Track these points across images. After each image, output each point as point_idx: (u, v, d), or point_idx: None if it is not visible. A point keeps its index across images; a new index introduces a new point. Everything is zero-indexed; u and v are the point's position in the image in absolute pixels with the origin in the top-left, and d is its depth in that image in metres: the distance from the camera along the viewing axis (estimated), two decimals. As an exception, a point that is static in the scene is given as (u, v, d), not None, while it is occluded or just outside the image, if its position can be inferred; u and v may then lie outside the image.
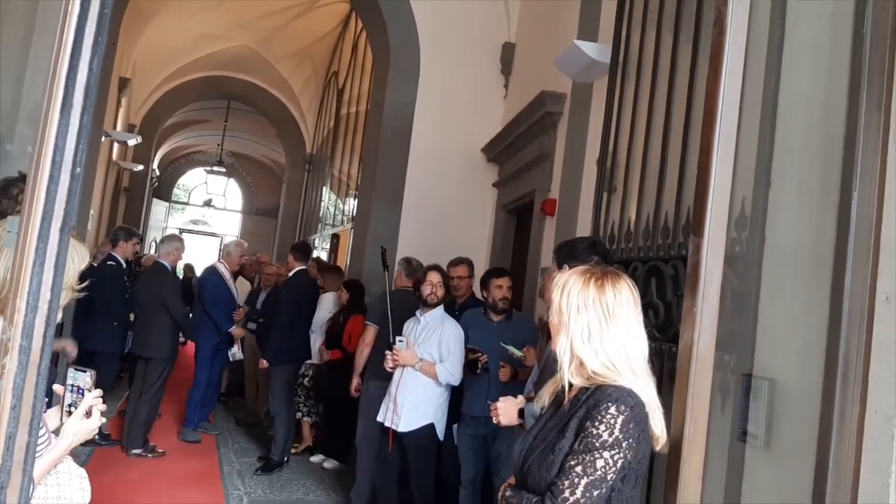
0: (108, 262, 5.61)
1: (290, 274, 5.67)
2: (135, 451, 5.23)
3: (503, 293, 3.77)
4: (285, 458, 5.41)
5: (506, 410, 2.38)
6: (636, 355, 1.58)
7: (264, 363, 5.42)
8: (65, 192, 0.94)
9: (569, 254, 2.51)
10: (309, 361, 5.70)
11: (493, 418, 2.42)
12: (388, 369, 3.84)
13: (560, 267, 2.53)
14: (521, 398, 2.47)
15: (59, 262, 0.94)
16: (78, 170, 0.95)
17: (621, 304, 1.57)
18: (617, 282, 1.60)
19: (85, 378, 1.40)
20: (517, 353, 3.38)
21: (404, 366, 3.76)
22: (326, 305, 5.70)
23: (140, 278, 5.77)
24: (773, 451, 1.74)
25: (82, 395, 1.39)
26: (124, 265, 5.74)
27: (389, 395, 3.85)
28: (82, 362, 5.40)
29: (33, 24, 2.31)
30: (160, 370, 5.46)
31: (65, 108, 0.95)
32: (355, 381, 4.57)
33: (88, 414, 1.42)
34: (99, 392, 1.44)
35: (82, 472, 1.47)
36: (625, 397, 1.51)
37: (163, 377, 5.54)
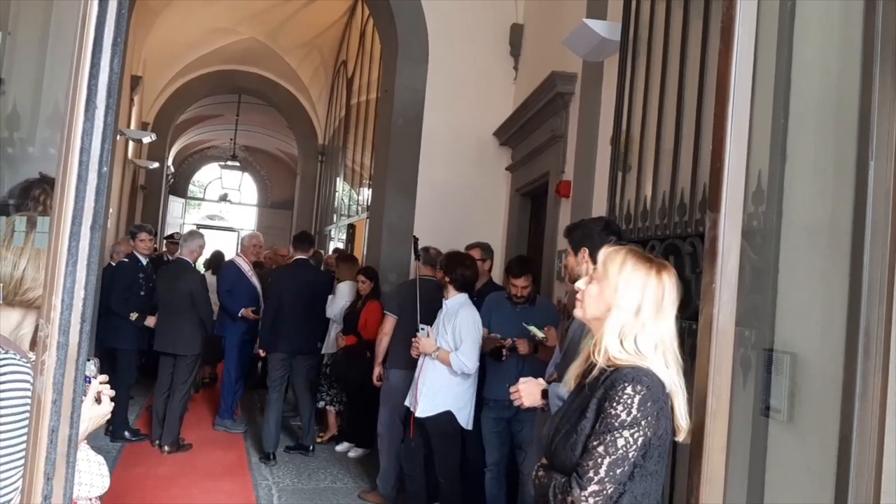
0: (123, 260, 5.72)
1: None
2: (167, 447, 5.31)
3: (518, 291, 3.77)
4: (310, 446, 5.49)
5: (528, 392, 2.39)
6: (672, 347, 1.63)
7: (261, 352, 5.65)
8: (93, 191, 0.96)
9: (585, 236, 2.50)
10: (327, 351, 5.77)
11: (515, 401, 2.43)
12: (414, 356, 3.89)
13: (576, 250, 2.52)
14: (541, 380, 2.49)
15: (91, 260, 0.97)
16: (105, 169, 0.97)
17: (668, 297, 1.63)
18: (671, 275, 1.66)
19: (89, 366, 1.45)
20: (539, 333, 3.41)
21: (425, 354, 3.80)
22: (343, 295, 5.72)
23: (162, 275, 5.78)
24: (796, 425, 1.75)
25: (89, 382, 1.44)
26: (143, 262, 5.79)
27: (415, 380, 3.92)
28: (105, 359, 5.50)
29: (49, 25, 2.33)
30: (192, 367, 5.52)
31: (88, 109, 0.97)
32: (377, 371, 4.63)
33: (98, 400, 1.46)
34: (104, 377, 1.49)
35: (100, 458, 1.51)
36: (640, 377, 1.55)
37: (194, 374, 5.62)
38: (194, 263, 5.72)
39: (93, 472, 1.45)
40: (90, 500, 1.46)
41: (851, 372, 1.54)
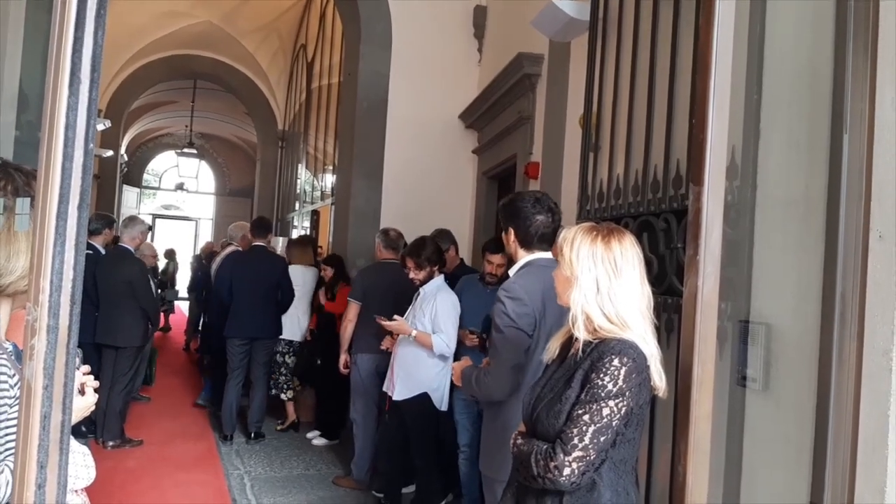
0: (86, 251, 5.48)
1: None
2: (111, 442, 5.10)
3: (492, 269, 3.77)
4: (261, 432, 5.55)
5: (455, 371, 2.57)
6: (641, 308, 1.65)
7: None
8: (80, 169, 0.92)
9: (512, 215, 2.45)
10: (286, 338, 5.72)
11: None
12: (385, 347, 3.88)
13: (506, 229, 2.49)
14: (465, 359, 2.63)
15: (79, 241, 0.93)
16: (91, 146, 0.94)
17: (627, 259, 1.64)
18: (622, 238, 1.67)
19: None
20: None
21: (399, 333, 3.79)
22: (295, 281, 5.59)
23: (102, 264, 5.33)
24: (772, 393, 1.80)
25: None
26: (103, 253, 5.61)
27: (390, 366, 3.92)
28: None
29: (8, 13, 2.21)
30: (132, 360, 5.28)
31: (73, 83, 0.93)
32: (343, 358, 4.60)
33: (82, 392, 1.43)
34: (87, 368, 1.45)
35: (85, 449, 1.46)
36: (627, 349, 1.59)
37: (134, 366, 5.36)
38: (135, 251, 5.45)
39: (77, 464, 1.41)
40: (76, 491, 1.42)
41: (828, 337, 1.59)
